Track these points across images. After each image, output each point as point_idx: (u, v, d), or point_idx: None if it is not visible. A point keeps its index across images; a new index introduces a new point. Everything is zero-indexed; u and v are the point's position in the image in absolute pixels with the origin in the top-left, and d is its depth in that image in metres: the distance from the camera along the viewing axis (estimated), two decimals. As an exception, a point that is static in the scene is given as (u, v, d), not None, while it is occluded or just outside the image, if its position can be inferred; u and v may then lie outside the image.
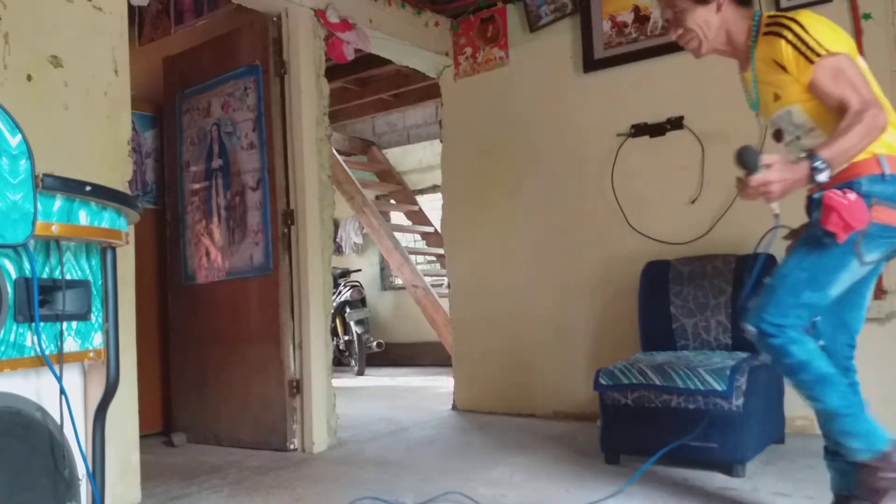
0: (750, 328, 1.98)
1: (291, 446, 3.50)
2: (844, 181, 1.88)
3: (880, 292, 3.18)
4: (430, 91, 5.85)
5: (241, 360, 3.72)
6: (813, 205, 1.98)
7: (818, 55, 1.87)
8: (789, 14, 1.98)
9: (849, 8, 3.27)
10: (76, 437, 1.44)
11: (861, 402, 1.95)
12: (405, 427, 4.06)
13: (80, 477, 1.46)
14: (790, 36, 1.91)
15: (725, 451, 2.69)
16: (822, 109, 1.94)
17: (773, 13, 2.06)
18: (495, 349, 4.37)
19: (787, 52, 1.92)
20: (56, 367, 1.37)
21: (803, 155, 1.87)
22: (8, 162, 1.24)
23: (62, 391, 1.38)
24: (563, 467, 2.94)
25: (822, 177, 1.80)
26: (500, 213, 4.38)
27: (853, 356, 2.14)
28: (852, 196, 1.82)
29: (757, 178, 1.83)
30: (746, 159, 1.83)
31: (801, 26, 1.91)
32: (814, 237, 1.92)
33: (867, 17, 3.23)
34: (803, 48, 1.89)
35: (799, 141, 2.04)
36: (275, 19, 3.65)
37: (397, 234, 7.00)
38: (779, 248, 3.04)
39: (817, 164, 1.80)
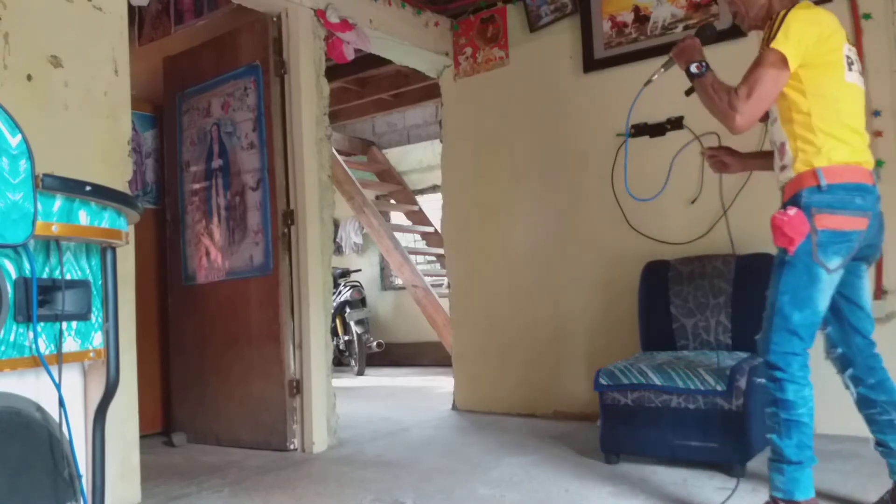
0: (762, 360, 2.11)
1: (291, 446, 3.50)
2: (790, 198, 2.03)
3: (880, 292, 3.18)
4: (430, 91, 5.85)
5: (241, 360, 3.72)
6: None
7: (769, 44, 1.99)
8: (800, 4, 2.07)
9: (849, 8, 3.26)
10: (71, 438, 1.43)
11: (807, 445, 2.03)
12: (405, 427, 4.06)
13: (80, 476, 1.46)
14: (777, 18, 2.02)
15: (725, 451, 2.69)
16: (782, 97, 2.07)
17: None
18: (495, 349, 4.37)
19: (765, 29, 2.06)
20: (54, 368, 1.37)
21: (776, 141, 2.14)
22: (8, 162, 1.23)
23: (59, 392, 1.37)
24: (563, 467, 2.94)
25: (693, 69, 2.12)
26: (500, 213, 4.38)
27: (874, 350, 2.19)
28: (793, 211, 1.97)
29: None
30: (703, 32, 2.31)
31: (787, 15, 2.00)
32: (778, 259, 2.05)
33: (867, 16, 3.23)
34: (769, 32, 2.02)
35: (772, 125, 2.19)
36: (275, 19, 3.65)
37: (397, 234, 7.00)
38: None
39: (704, 64, 2.12)
